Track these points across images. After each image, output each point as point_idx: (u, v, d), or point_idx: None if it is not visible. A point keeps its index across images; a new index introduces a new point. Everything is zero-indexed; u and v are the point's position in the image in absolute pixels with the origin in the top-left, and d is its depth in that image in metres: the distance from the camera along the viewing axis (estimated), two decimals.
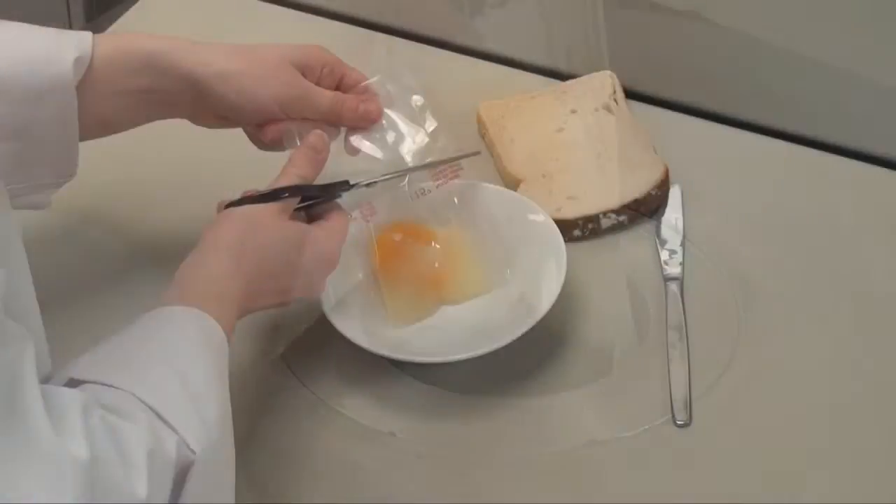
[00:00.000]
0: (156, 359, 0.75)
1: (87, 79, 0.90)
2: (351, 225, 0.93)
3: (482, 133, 1.12)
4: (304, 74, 0.94)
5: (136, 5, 1.29)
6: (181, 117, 0.96)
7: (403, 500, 0.87)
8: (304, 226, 0.89)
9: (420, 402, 0.92)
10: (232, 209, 0.87)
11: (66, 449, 0.62)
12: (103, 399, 0.69)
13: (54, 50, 0.89)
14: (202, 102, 0.93)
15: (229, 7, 1.28)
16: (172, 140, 1.03)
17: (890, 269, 0.99)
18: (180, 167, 1.10)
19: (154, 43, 0.93)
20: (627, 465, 0.88)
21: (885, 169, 1.08)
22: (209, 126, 0.96)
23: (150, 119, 0.95)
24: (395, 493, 0.87)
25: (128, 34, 0.96)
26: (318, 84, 0.95)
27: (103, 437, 0.65)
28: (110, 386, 0.71)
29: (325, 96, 0.95)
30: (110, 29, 1.25)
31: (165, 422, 0.70)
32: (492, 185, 1.01)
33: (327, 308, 0.93)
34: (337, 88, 0.96)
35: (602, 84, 1.14)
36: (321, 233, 0.89)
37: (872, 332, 0.95)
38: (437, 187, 0.97)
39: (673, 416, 0.90)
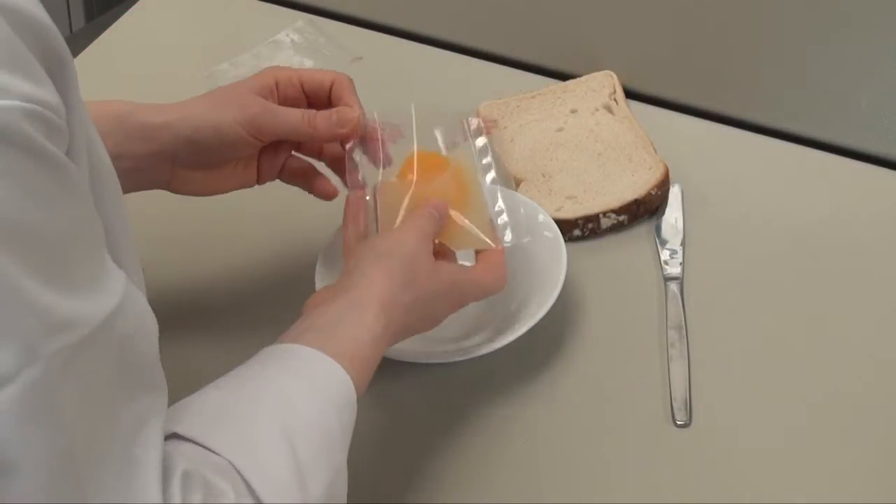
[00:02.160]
0: (266, 415, 0.71)
1: None
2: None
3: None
4: (266, 97, 0.91)
5: (136, 5, 1.29)
6: (155, 186, 0.92)
7: (402, 500, 0.87)
8: (460, 271, 0.88)
9: (420, 403, 0.92)
10: (375, 240, 0.85)
11: None
12: (200, 466, 0.66)
13: None
14: (169, 158, 0.90)
15: (229, 6, 1.28)
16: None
17: (890, 268, 1.00)
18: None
19: (120, 106, 0.90)
20: (627, 465, 0.88)
21: (885, 169, 1.08)
22: (193, 192, 0.93)
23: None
24: (394, 494, 0.87)
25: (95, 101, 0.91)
26: (283, 102, 0.92)
27: None
28: (209, 450, 0.68)
29: (293, 110, 0.91)
30: (111, 28, 1.25)
31: (257, 498, 0.67)
32: (492, 186, 1.01)
33: None
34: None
35: (602, 84, 1.14)
36: (482, 274, 0.88)
37: (873, 332, 0.95)
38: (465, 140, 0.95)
39: (673, 416, 0.90)
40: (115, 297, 0.61)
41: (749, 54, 1.12)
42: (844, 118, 1.10)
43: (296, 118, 0.90)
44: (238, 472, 0.67)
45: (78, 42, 1.27)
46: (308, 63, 1.21)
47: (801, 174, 1.08)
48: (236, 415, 0.71)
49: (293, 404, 0.72)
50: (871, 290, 0.98)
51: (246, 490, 0.67)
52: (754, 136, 1.12)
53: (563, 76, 1.17)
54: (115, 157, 0.88)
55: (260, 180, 0.94)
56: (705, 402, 0.91)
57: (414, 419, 0.91)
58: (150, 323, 0.64)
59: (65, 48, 0.62)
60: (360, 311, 0.80)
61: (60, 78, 0.61)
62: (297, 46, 1.23)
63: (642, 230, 1.03)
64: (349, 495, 0.86)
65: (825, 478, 0.86)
